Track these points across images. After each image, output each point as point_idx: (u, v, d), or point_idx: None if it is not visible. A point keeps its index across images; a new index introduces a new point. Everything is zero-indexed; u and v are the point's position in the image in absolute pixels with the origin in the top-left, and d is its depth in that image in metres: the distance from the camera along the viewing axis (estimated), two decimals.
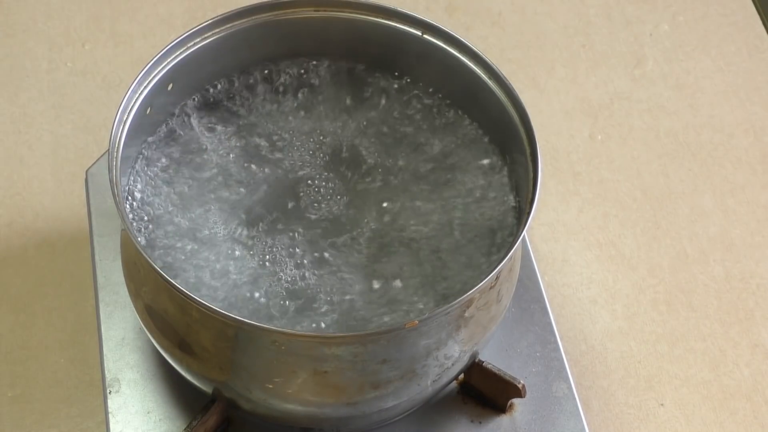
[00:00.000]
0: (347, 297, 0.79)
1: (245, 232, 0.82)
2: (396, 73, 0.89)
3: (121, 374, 0.86)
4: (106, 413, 0.84)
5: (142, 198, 0.83)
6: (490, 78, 0.83)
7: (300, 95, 0.89)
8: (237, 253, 0.80)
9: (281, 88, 0.89)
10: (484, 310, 0.78)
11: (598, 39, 1.19)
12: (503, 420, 0.86)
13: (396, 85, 0.89)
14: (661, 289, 1.00)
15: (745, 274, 1.02)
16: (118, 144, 0.78)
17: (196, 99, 0.88)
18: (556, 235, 1.03)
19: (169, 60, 0.83)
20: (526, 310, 0.91)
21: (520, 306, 0.91)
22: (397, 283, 0.80)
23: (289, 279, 0.79)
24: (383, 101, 0.89)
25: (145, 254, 0.72)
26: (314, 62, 0.89)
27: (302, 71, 0.89)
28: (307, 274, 0.80)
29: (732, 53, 1.18)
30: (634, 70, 1.16)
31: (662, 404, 0.94)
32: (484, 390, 0.86)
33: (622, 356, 0.96)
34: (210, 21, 0.84)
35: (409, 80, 0.89)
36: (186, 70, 0.84)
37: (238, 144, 0.86)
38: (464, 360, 0.79)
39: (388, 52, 0.87)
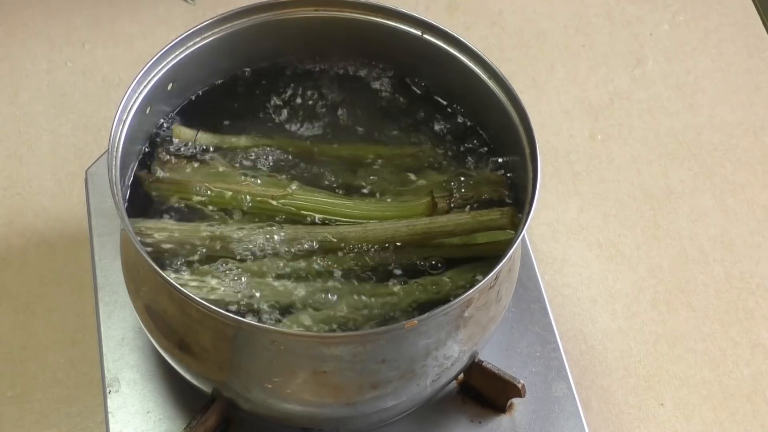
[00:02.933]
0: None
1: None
2: (395, 73, 0.89)
3: (121, 374, 0.86)
4: (106, 413, 0.84)
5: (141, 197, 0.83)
6: (489, 78, 0.83)
7: (298, 95, 0.89)
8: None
9: (282, 88, 0.89)
10: (484, 310, 0.77)
11: (598, 39, 1.19)
12: (503, 420, 0.86)
13: (395, 85, 0.89)
14: (661, 289, 1.00)
15: (745, 274, 1.02)
16: (118, 144, 0.78)
17: (195, 98, 0.88)
18: (556, 235, 1.03)
19: (168, 60, 0.83)
20: (526, 310, 0.91)
21: (519, 306, 0.91)
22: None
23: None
24: (382, 100, 0.89)
25: (144, 254, 0.72)
26: (313, 61, 0.89)
27: (301, 71, 0.90)
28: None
29: (732, 53, 1.18)
30: (634, 70, 1.16)
31: (662, 404, 0.94)
32: (484, 390, 0.86)
33: (621, 356, 0.96)
34: (209, 21, 0.84)
35: (408, 80, 0.89)
36: (186, 69, 0.84)
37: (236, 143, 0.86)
38: (464, 360, 0.79)
39: (387, 52, 0.87)
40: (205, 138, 0.85)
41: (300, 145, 0.85)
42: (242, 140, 0.85)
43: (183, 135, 0.85)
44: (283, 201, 0.81)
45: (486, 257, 0.80)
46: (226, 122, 0.87)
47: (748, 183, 1.08)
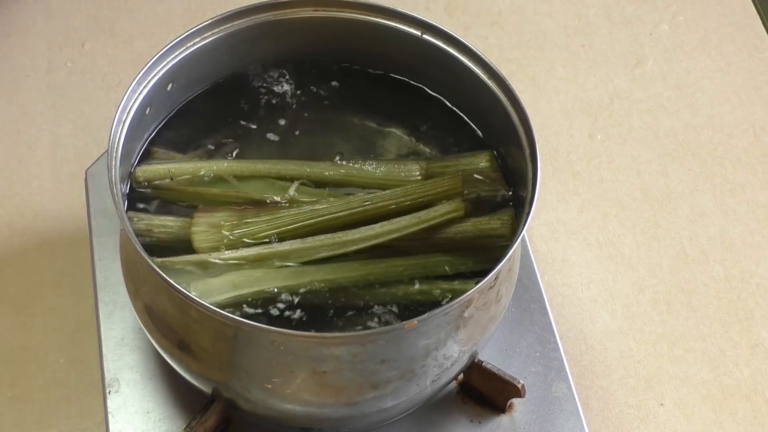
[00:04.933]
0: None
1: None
2: (395, 73, 0.89)
3: (121, 374, 0.86)
4: (106, 413, 0.84)
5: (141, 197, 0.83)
6: (489, 78, 0.83)
7: (298, 94, 0.89)
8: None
9: (280, 88, 0.89)
10: (484, 310, 0.78)
11: (598, 39, 1.19)
12: (503, 420, 0.86)
13: (395, 85, 0.89)
14: (660, 289, 1.00)
15: (745, 274, 1.02)
16: (118, 144, 0.78)
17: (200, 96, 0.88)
18: (555, 235, 1.03)
19: (168, 59, 0.83)
20: (526, 310, 0.91)
21: (519, 306, 0.91)
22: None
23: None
24: (382, 101, 0.89)
25: (144, 254, 0.72)
26: (312, 61, 0.89)
27: (300, 71, 0.90)
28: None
29: (732, 53, 1.18)
30: (634, 70, 1.16)
31: (662, 404, 0.94)
32: (484, 390, 0.86)
33: (621, 356, 0.96)
34: (209, 21, 0.84)
35: (408, 80, 0.89)
36: (186, 69, 0.84)
37: (236, 142, 0.86)
38: (463, 360, 0.79)
39: (387, 52, 0.87)
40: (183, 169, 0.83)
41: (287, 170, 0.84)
42: (224, 165, 0.84)
43: (151, 174, 0.83)
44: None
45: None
46: (223, 125, 0.87)
47: (748, 183, 1.08)
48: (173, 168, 0.83)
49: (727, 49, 1.18)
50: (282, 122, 0.88)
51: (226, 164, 0.84)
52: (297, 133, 0.87)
